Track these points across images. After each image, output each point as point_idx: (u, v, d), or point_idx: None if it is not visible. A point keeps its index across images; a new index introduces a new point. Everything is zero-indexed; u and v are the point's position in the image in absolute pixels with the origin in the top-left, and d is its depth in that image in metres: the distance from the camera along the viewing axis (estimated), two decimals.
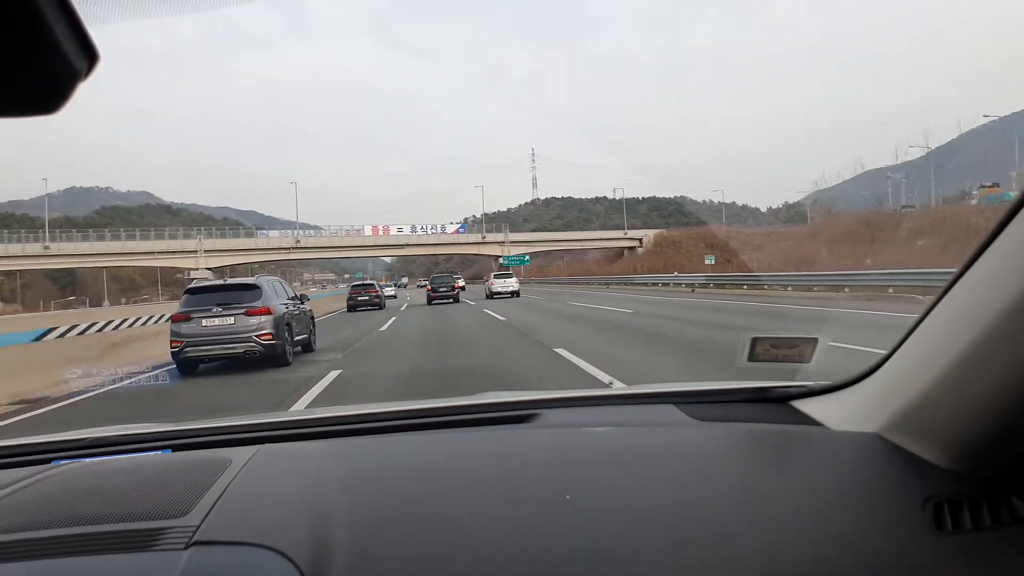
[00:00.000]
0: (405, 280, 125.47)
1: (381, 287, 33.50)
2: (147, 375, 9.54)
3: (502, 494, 1.02)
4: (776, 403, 1.36)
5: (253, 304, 9.78)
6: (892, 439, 1.03)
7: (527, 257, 73.82)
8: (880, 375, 1.11)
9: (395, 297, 40.91)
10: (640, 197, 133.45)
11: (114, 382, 8.86)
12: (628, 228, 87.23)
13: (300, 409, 5.88)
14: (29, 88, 0.54)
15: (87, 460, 1.31)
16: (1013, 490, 0.91)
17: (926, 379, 0.94)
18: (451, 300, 30.28)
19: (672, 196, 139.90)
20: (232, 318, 9.62)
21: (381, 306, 29.55)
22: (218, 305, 9.79)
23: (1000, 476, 0.92)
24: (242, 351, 9.54)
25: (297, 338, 10.89)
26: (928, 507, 0.89)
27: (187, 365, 9.66)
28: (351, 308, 29.24)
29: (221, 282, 11.24)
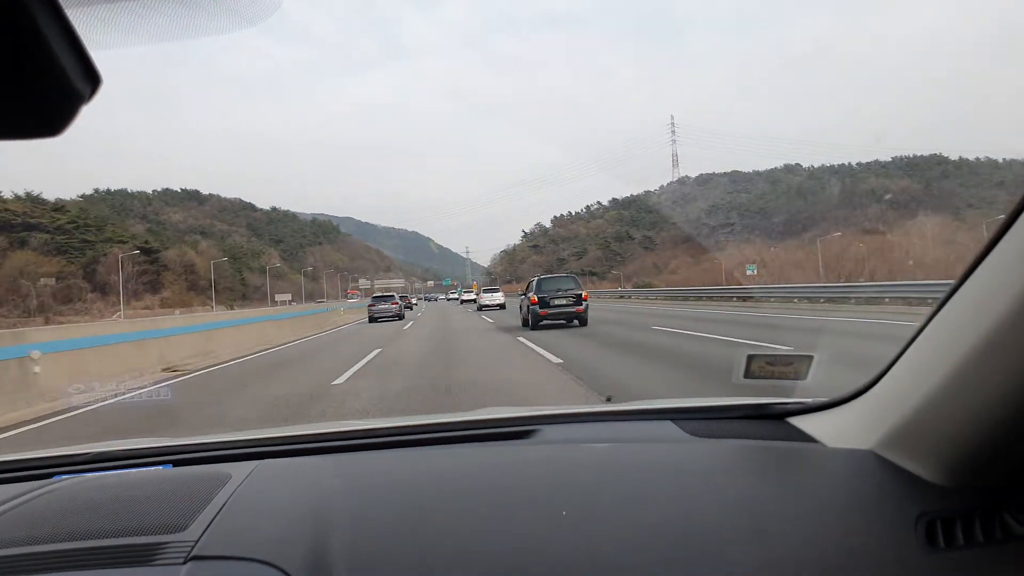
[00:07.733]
0: (439, 295, 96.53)
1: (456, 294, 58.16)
2: (147, 390, 9.62)
3: (500, 510, 1.03)
4: (773, 420, 1.37)
5: (393, 299, 32.68)
6: (886, 456, 1.04)
7: None
8: (875, 392, 1.12)
9: (400, 317, 30.89)
10: (870, 161, 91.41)
11: (114, 396, 8.89)
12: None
13: (301, 425, 5.92)
14: (33, 111, 0.56)
15: (88, 475, 1.32)
16: (1006, 507, 0.92)
17: (919, 396, 0.95)
18: (574, 322, 16.88)
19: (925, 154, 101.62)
20: (388, 304, 31.81)
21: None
22: (383, 299, 32.79)
23: (993, 492, 0.93)
24: (392, 315, 30.77)
25: (404, 311, 34.07)
26: (921, 524, 0.89)
27: (373, 320, 29.96)
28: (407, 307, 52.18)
29: (384, 293, 37.15)
